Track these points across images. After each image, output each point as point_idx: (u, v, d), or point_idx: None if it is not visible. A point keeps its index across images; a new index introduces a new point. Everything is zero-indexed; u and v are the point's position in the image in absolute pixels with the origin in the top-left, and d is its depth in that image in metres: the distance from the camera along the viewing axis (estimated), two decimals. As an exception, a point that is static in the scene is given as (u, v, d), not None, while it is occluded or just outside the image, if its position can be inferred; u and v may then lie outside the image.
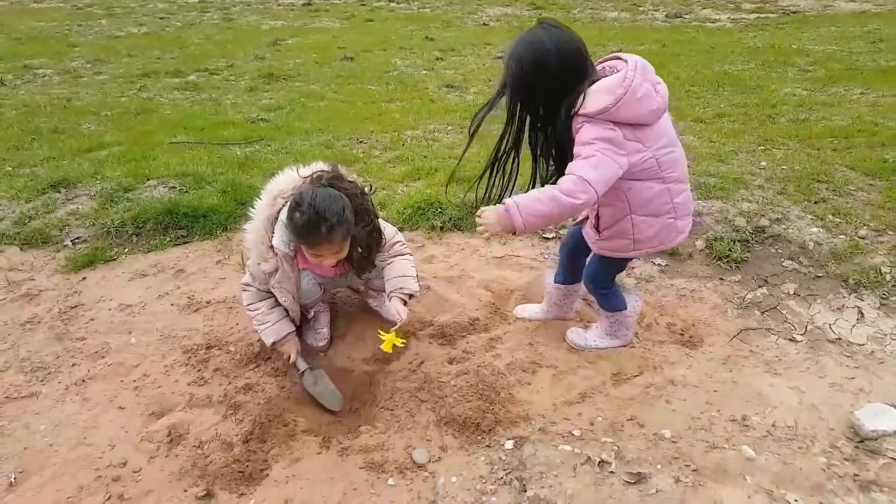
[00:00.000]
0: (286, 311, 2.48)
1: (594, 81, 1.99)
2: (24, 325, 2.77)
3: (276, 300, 2.45)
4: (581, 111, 1.97)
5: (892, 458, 2.10)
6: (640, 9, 13.20)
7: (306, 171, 2.32)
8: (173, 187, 3.66)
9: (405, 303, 2.46)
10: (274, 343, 2.46)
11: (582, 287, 2.63)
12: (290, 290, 2.41)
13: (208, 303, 2.87)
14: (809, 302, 2.88)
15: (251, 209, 2.38)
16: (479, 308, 2.82)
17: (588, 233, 2.38)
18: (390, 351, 2.38)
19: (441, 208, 3.45)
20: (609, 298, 2.51)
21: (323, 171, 2.29)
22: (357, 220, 2.25)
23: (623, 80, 1.93)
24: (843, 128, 4.88)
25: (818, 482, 2.03)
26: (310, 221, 2.11)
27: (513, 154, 2.19)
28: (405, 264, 2.50)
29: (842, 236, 3.17)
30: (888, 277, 2.92)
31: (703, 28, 11.23)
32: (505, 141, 2.17)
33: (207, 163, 4.09)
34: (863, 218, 3.30)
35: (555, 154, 2.17)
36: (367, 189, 2.41)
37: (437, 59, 8.53)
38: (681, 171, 2.14)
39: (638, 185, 2.08)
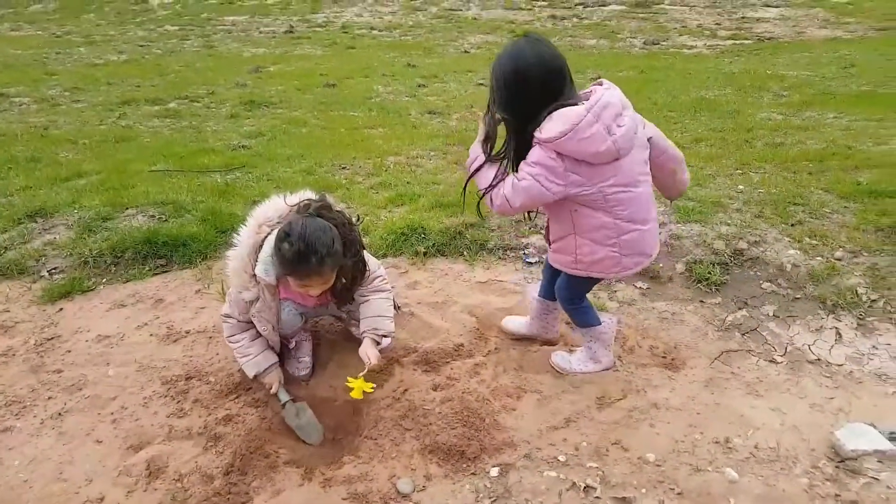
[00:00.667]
0: (267, 341, 2.45)
1: (565, 104, 2.02)
2: (-1, 357, 2.71)
3: (258, 331, 2.43)
4: (537, 133, 2.03)
5: (873, 478, 2.12)
6: (619, 36, 13.44)
7: (293, 198, 2.31)
8: (153, 216, 3.63)
9: (378, 343, 2.45)
10: (256, 375, 2.43)
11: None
12: (270, 320, 2.39)
13: (188, 333, 2.84)
14: (789, 323, 2.91)
15: (235, 236, 2.36)
16: (463, 333, 2.82)
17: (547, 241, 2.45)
18: (360, 398, 2.35)
19: (425, 234, 3.45)
20: (580, 314, 2.53)
21: (311, 199, 2.28)
22: (345, 251, 2.23)
23: (577, 115, 1.97)
24: (818, 151, 4.98)
25: (801, 503, 2.04)
26: (299, 253, 2.09)
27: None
28: (383, 303, 2.49)
29: (819, 258, 3.22)
30: (864, 298, 2.97)
31: (679, 54, 11.45)
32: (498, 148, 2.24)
33: (187, 191, 4.07)
34: (839, 240, 3.36)
35: (514, 161, 2.21)
36: (354, 220, 2.40)
37: (420, 85, 8.61)
38: (634, 211, 2.14)
39: (584, 210, 2.14)
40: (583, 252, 2.23)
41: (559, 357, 2.64)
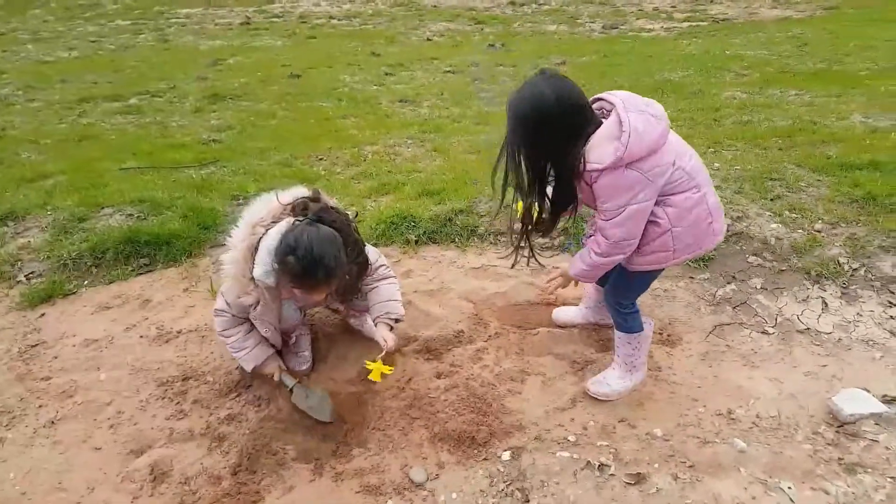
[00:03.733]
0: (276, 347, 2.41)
1: (593, 131, 1.94)
2: (-20, 367, 2.60)
3: (251, 324, 2.36)
4: (591, 166, 1.92)
5: (872, 440, 2.19)
6: (578, 21, 13.51)
7: (286, 196, 2.23)
8: (130, 214, 3.51)
9: (391, 328, 2.42)
10: (255, 368, 2.37)
11: None
12: (272, 321, 2.32)
13: (179, 332, 2.76)
14: (776, 295, 2.98)
15: (227, 238, 2.26)
16: (462, 320, 2.81)
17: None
18: (378, 380, 2.32)
19: (414, 222, 3.42)
20: (633, 318, 2.35)
21: (306, 198, 2.20)
22: (348, 253, 2.16)
23: (619, 123, 1.89)
24: (786, 128, 5.08)
25: (807, 468, 2.09)
26: (306, 268, 2.02)
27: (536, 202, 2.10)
28: (390, 288, 2.46)
29: (800, 231, 3.29)
30: (846, 268, 3.05)
31: (638, 37, 11.56)
32: (523, 196, 2.08)
33: (163, 188, 3.95)
34: (817, 212, 3.44)
35: (554, 202, 2.10)
36: (351, 216, 2.34)
37: (386, 74, 8.52)
38: (704, 176, 2.09)
39: (674, 199, 2.02)
40: (680, 240, 2.08)
41: (596, 385, 2.42)
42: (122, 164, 4.65)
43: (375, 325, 2.44)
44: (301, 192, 2.28)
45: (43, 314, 2.88)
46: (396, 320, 2.45)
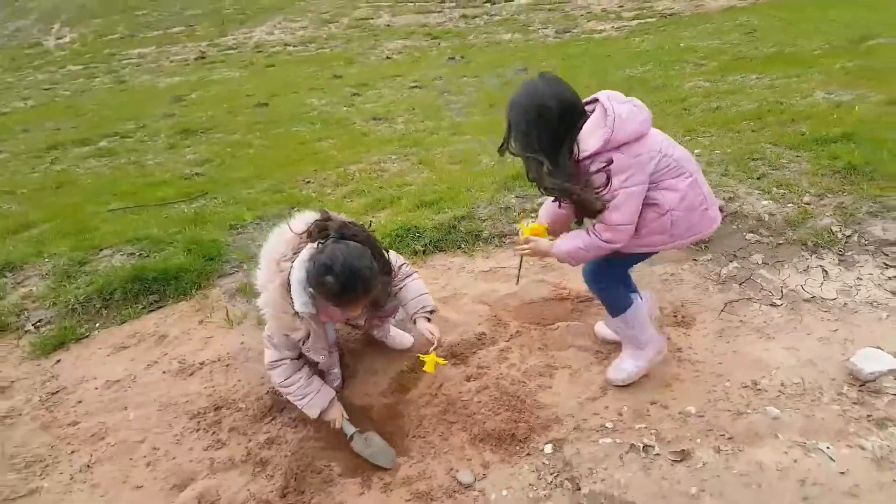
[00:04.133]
0: (318, 373, 2.39)
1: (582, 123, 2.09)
2: (2, 420, 2.55)
3: (307, 367, 2.34)
4: (583, 154, 2.06)
5: (895, 395, 2.28)
6: (531, 28, 13.75)
7: (298, 225, 2.22)
8: (132, 254, 3.48)
9: (429, 319, 2.45)
10: (321, 413, 2.32)
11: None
12: (324, 347, 2.32)
13: (202, 364, 2.74)
14: (778, 268, 3.08)
15: (254, 284, 2.27)
16: (481, 323, 2.85)
17: None
18: (433, 371, 2.34)
19: (419, 232, 3.45)
20: (612, 297, 2.40)
21: (319, 221, 2.21)
22: (376, 262, 2.19)
23: (604, 112, 2.05)
24: (754, 111, 5.26)
25: (840, 428, 2.17)
26: (345, 285, 2.04)
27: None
28: (417, 284, 2.48)
29: (790, 205, 3.41)
30: (840, 235, 3.17)
31: (591, 39, 11.83)
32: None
33: (156, 225, 3.92)
34: (803, 186, 3.57)
35: (559, 193, 2.19)
36: (366, 227, 2.36)
37: (353, 94, 8.57)
38: (694, 165, 2.19)
39: (669, 182, 2.12)
40: (678, 224, 2.17)
41: (612, 371, 2.48)
42: (106, 206, 4.60)
43: (414, 323, 2.46)
44: (309, 216, 2.28)
45: (58, 361, 2.83)
46: (432, 311, 2.47)
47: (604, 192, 2.07)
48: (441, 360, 2.36)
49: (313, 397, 2.29)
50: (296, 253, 2.18)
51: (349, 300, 2.10)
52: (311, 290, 2.11)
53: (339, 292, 2.05)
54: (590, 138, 2.05)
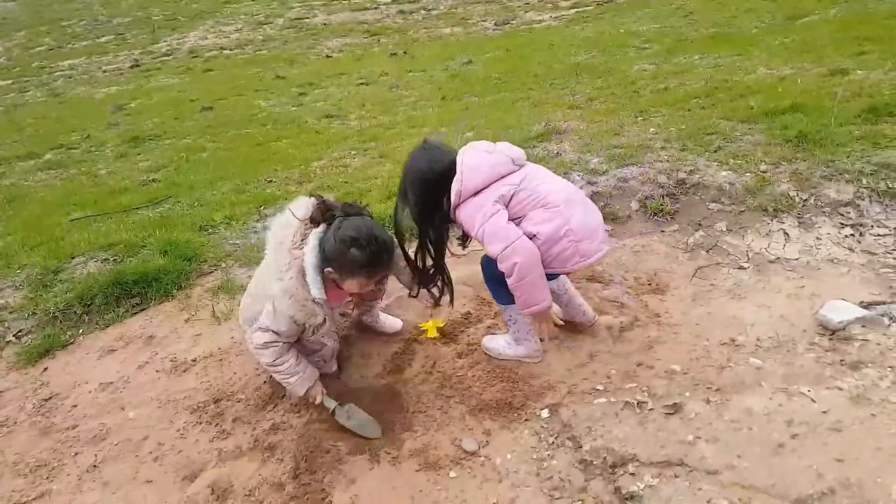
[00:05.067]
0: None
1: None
2: (-3, 429, 2.52)
3: (294, 348, 2.37)
4: (454, 206, 2.28)
5: (863, 340, 2.46)
6: (470, 21, 13.87)
7: (298, 210, 2.27)
8: (106, 259, 3.44)
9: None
10: (308, 390, 2.36)
11: (565, 282, 2.64)
12: (335, 330, 2.40)
13: (194, 361, 2.76)
14: (742, 234, 3.25)
15: (278, 273, 2.24)
16: (465, 303, 2.93)
17: None
18: (436, 335, 2.49)
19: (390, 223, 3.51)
20: (499, 288, 2.40)
21: (323, 202, 2.26)
22: None
23: (458, 168, 2.24)
24: (702, 89, 5.48)
25: (818, 373, 2.33)
26: (375, 253, 2.15)
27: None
28: None
29: (748, 174, 3.60)
30: (797, 200, 3.37)
31: (532, 29, 12.03)
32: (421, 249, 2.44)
33: (125, 230, 3.88)
34: (758, 156, 3.76)
35: (432, 247, 2.43)
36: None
37: (300, 94, 8.55)
38: (563, 197, 2.24)
39: (531, 214, 2.23)
40: (547, 254, 2.26)
41: (489, 340, 2.65)
42: (67, 216, 4.51)
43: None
44: (304, 201, 2.33)
45: (46, 368, 2.80)
46: None
47: (471, 239, 2.38)
48: (440, 323, 2.52)
49: (300, 376, 2.33)
50: (303, 239, 2.23)
51: (377, 269, 2.22)
52: (329, 269, 2.18)
53: (367, 262, 2.16)
54: (452, 193, 2.25)
